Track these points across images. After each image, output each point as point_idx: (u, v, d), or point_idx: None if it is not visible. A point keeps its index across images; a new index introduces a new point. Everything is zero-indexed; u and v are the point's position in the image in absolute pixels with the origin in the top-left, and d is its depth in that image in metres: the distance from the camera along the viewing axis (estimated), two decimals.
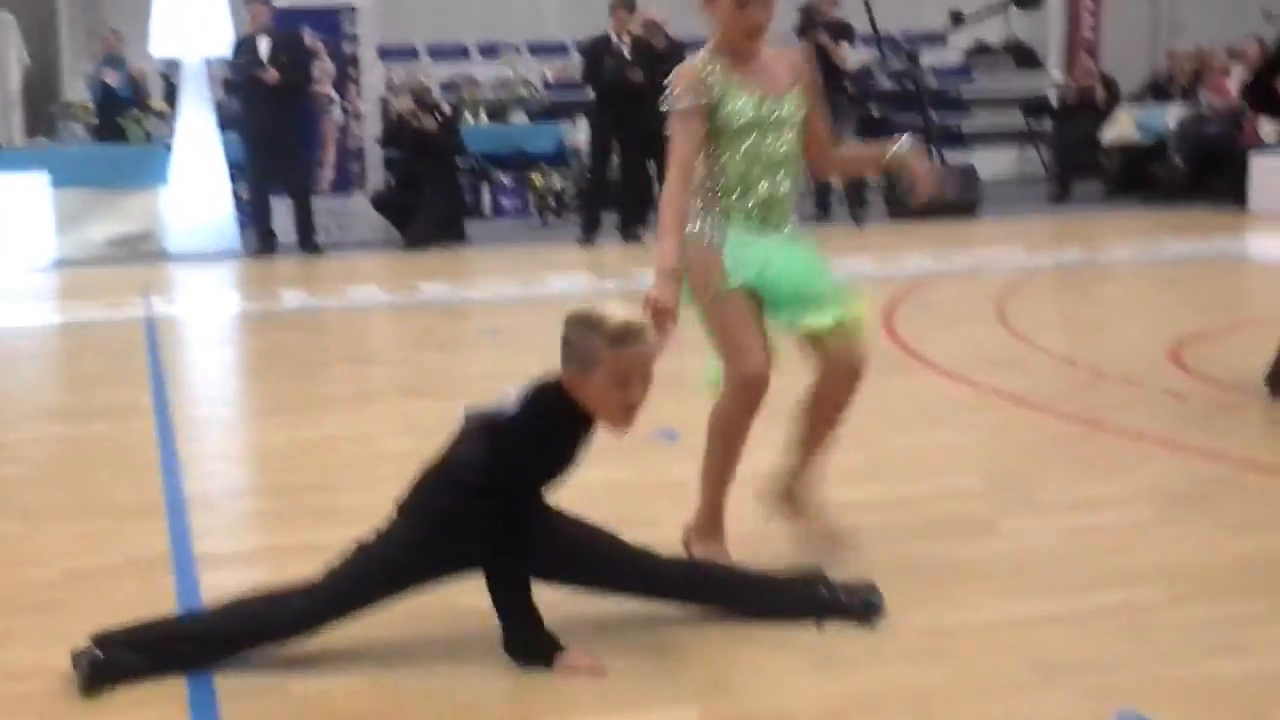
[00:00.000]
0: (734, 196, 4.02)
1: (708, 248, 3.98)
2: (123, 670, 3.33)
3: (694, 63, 4.01)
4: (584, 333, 3.42)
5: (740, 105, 3.97)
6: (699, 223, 4.01)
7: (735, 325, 4.00)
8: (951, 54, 19.27)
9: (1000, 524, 4.34)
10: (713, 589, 3.69)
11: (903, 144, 4.10)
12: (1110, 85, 16.23)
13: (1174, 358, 6.92)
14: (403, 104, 13.51)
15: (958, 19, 15.03)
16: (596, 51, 12.90)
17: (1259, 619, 3.58)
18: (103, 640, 3.37)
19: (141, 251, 12.81)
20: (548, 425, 3.49)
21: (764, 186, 4.00)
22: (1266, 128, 13.80)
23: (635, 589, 3.66)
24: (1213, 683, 3.21)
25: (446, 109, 14.11)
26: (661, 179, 14.25)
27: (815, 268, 4.06)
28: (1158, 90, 16.52)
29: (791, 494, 4.24)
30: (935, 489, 4.82)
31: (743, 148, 4.00)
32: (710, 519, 4.16)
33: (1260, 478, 4.90)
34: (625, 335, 3.40)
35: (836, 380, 4.04)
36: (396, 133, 13.46)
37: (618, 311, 3.45)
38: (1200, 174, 14.42)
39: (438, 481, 3.59)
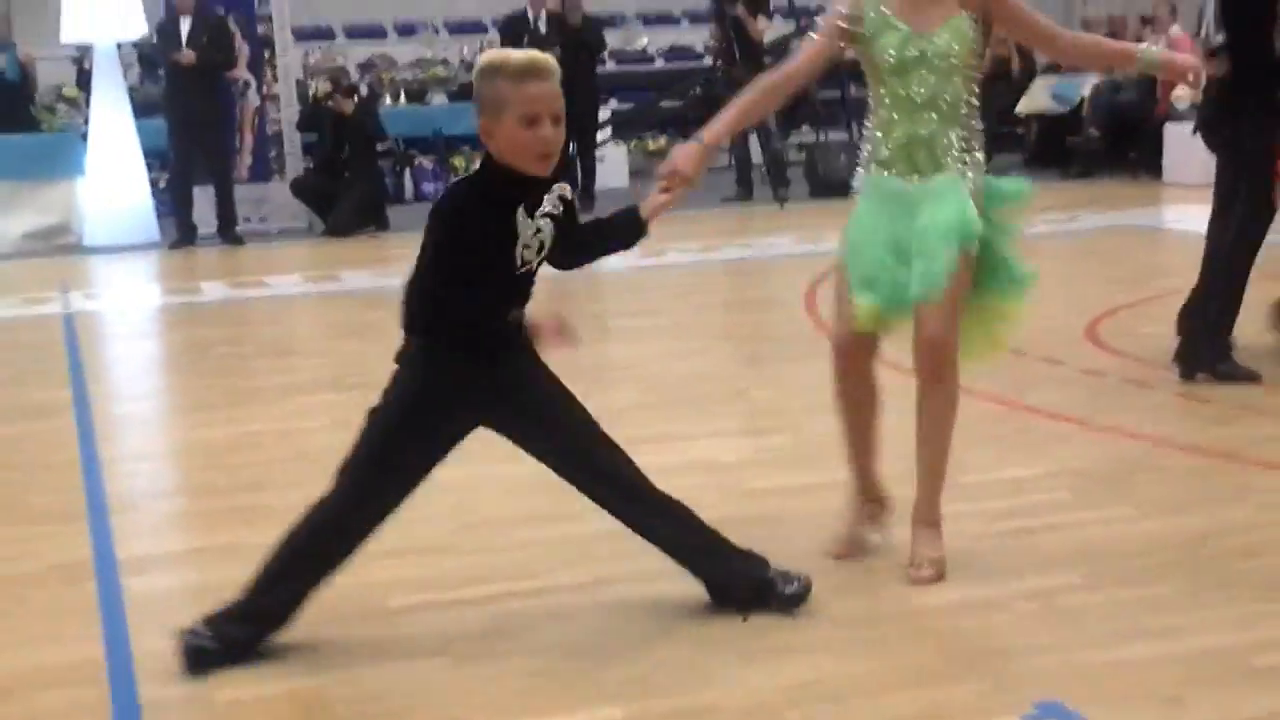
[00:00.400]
0: (875, 141, 3.92)
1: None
2: (230, 643, 3.45)
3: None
4: (488, 78, 3.41)
5: (886, 43, 3.85)
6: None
7: (837, 288, 4.04)
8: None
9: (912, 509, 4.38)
10: (665, 528, 3.69)
11: (1149, 46, 3.92)
12: (1026, 55, 16.36)
13: (1091, 334, 7.01)
14: (320, 87, 13.41)
15: None
16: (514, 30, 12.84)
17: (1177, 601, 3.66)
18: (201, 624, 3.46)
19: (58, 245, 12.65)
20: (468, 187, 3.53)
21: (901, 130, 3.86)
22: (1179, 92, 13.93)
23: (595, 483, 3.70)
24: (1131, 667, 3.27)
25: (364, 91, 14.02)
26: (582, 160, 14.09)
27: (903, 250, 3.86)
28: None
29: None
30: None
31: (884, 89, 3.89)
32: (853, 497, 4.16)
33: (1177, 457, 4.99)
34: (528, 70, 3.38)
35: (917, 373, 3.98)
36: (314, 116, 13.36)
37: (515, 51, 3.47)
38: (1116, 144, 14.58)
39: (413, 302, 3.57)
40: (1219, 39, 6.17)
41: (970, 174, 3.87)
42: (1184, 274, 6.72)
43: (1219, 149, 6.15)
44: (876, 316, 3.91)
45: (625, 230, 3.82)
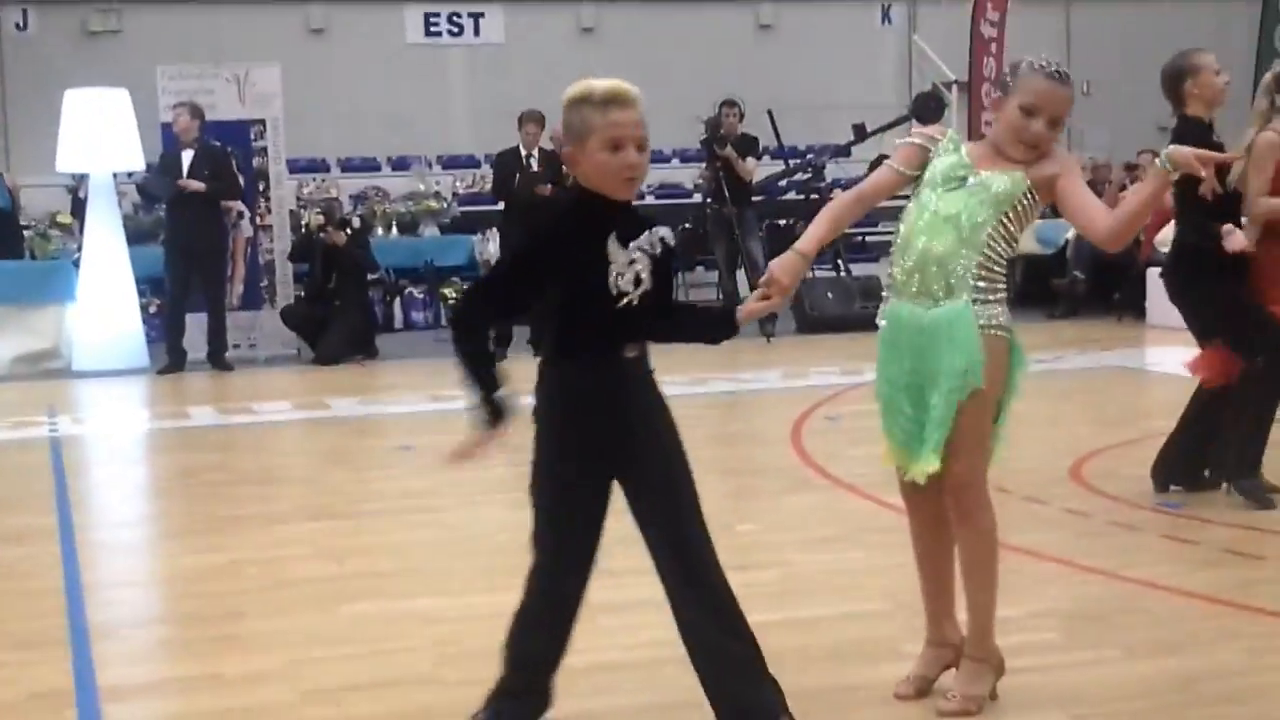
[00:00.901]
0: (894, 265, 4.00)
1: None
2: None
3: (948, 130, 4.10)
4: (575, 107, 3.51)
5: (941, 161, 3.99)
6: None
7: None
8: (855, 166, 19.59)
9: (905, 647, 4.36)
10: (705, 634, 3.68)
11: (1159, 159, 3.85)
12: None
13: (1076, 474, 7.03)
14: (313, 219, 13.52)
15: (860, 132, 15.30)
16: (507, 165, 13.00)
17: None
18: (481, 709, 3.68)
19: (48, 369, 12.67)
20: (552, 211, 3.67)
21: (920, 244, 3.92)
22: (1162, 236, 14.08)
23: (664, 545, 3.70)
24: None
25: (357, 223, 14.15)
26: None
27: (919, 394, 3.93)
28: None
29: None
30: (842, 610, 4.86)
31: (915, 203, 4.00)
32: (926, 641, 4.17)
33: (1163, 599, 4.99)
34: (612, 98, 3.48)
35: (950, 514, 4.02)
36: (307, 247, 13.45)
37: (605, 80, 3.54)
38: (1100, 286, 14.72)
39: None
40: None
41: (990, 310, 3.88)
42: (1168, 415, 6.77)
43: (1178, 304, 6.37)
44: (905, 463, 3.97)
45: (718, 323, 3.82)
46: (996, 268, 3.92)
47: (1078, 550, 5.63)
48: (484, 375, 3.70)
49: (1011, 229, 3.92)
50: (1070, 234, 14.98)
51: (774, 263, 3.83)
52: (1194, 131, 6.13)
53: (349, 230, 13.48)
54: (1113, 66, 20.17)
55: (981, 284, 3.88)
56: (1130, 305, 14.07)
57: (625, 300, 3.52)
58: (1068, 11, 20.39)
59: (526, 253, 3.59)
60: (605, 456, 3.62)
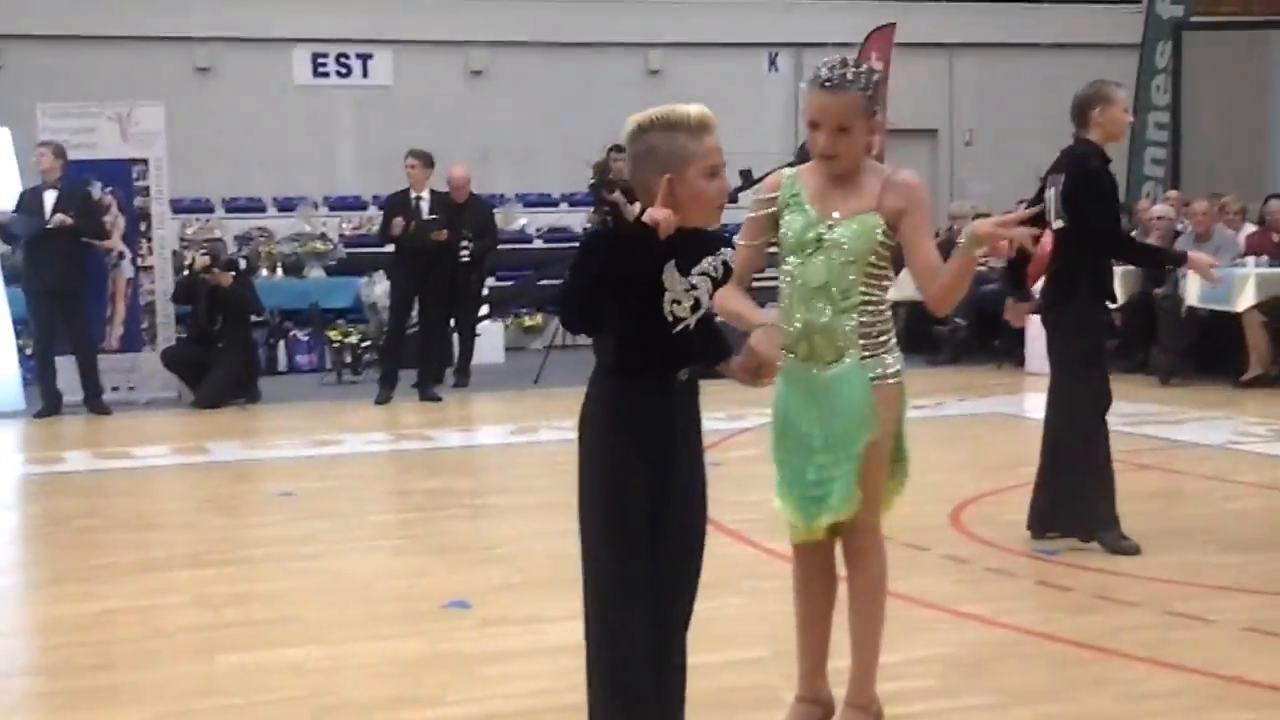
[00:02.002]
0: (782, 320, 3.97)
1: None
2: None
3: (785, 170, 4.08)
4: (665, 134, 3.43)
5: (790, 221, 3.97)
6: None
7: None
8: (742, 211, 19.74)
9: (785, 695, 4.37)
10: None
11: (965, 230, 3.88)
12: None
13: (956, 521, 7.11)
14: (198, 260, 13.34)
15: (747, 178, 15.42)
16: (395, 208, 12.92)
17: None
18: None
19: None
20: (617, 233, 3.55)
21: (799, 315, 3.95)
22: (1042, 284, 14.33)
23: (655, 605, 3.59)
24: None
25: (242, 264, 14.00)
26: (462, 336, 14.13)
27: (810, 452, 3.99)
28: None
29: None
30: (722, 658, 4.86)
31: (787, 271, 3.98)
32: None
33: (1038, 645, 5.05)
34: (705, 125, 3.44)
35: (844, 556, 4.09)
36: (191, 288, 13.27)
37: (688, 106, 3.48)
38: (981, 333, 14.93)
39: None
40: (1058, 224, 6.46)
41: (881, 361, 3.95)
42: None
43: (1051, 333, 6.52)
44: (805, 519, 4.01)
45: (717, 352, 3.71)
46: (878, 318, 3.97)
47: (956, 596, 5.68)
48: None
49: (880, 272, 3.97)
50: None
51: (756, 346, 3.66)
52: (1093, 153, 6.32)
53: (235, 271, 13.33)
54: (994, 116, 20.58)
55: (866, 340, 3.95)
56: (1009, 352, 14.27)
57: (681, 326, 3.51)
58: (950, 61, 20.73)
59: (586, 267, 3.46)
60: (651, 466, 3.56)
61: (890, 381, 3.97)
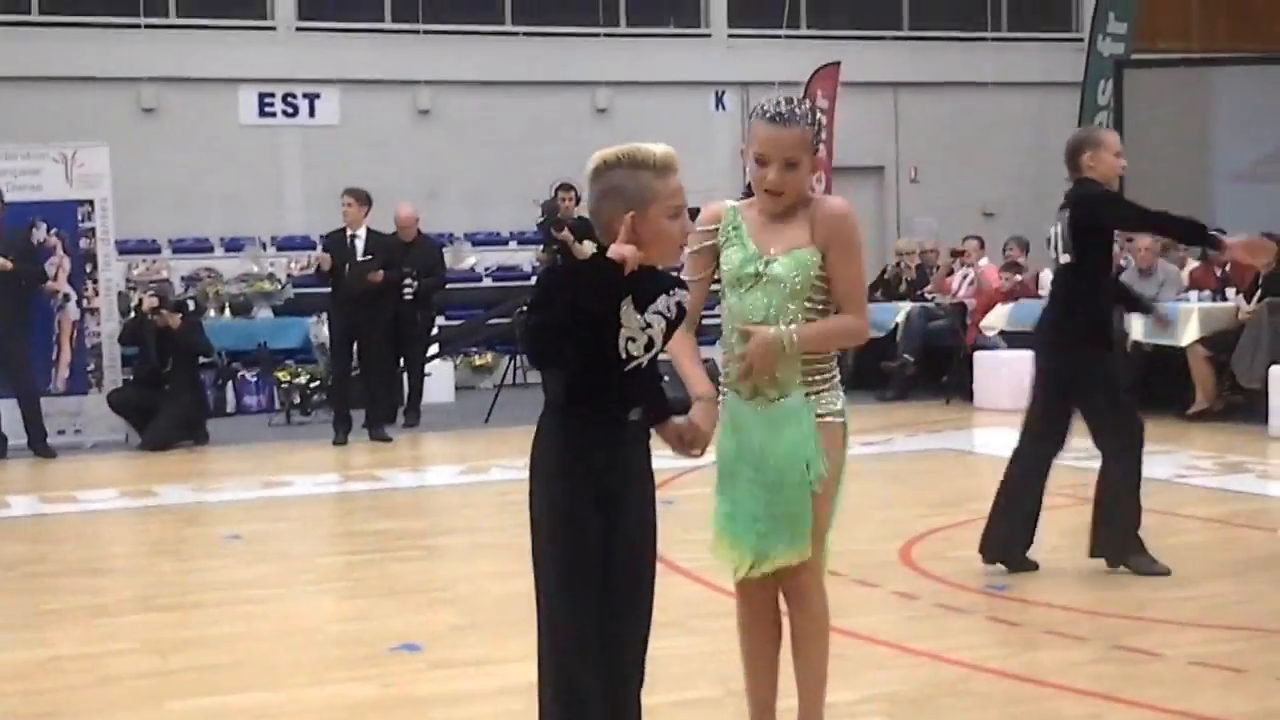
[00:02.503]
0: (729, 361, 4.00)
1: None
2: None
3: (725, 202, 4.08)
4: (631, 172, 3.42)
5: (729, 255, 3.98)
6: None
7: None
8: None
9: None
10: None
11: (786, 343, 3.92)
12: None
13: (906, 557, 7.14)
14: (146, 301, 13.26)
15: (694, 215, 15.48)
16: (330, 246, 12.82)
17: None
18: None
19: None
20: (579, 269, 3.54)
21: (742, 349, 3.93)
22: (991, 319, 14.45)
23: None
24: None
25: (190, 305, 13.92)
26: (411, 375, 13.98)
27: (756, 490, 3.97)
28: (887, 287, 17.20)
29: None
30: (673, 698, 4.86)
31: (728, 305, 4.00)
32: None
33: (988, 681, 5.07)
34: (670, 165, 3.44)
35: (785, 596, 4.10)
36: (138, 330, 13.19)
37: (653, 145, 3.47)
38: (929, 369, 15.02)
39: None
40: (1065, 258, 6.56)
41: (824, 399, 3.98)
42: (992, 497, 6.92)
43: (1040, 369, 6.60)
44: (751, 558, 4.00)
45: (655, 401, 3.69)
46: (821, 355, 3.99)
47: (906, 633, 5.70)
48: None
49: (822, 307, 3.98)
50: (900, 317, 15.27)
51: (693, 420, 3.74)
52: (1094, 187, 6.50)
53: (183, 313, 13.26)
54: (939, 153, 20.75)
55: (810, 376, 3.96)
56: (958, 388, 14.36)
57: (634, 364, 3.51)
58: (895, 99, 20.90)
59: (546, 303, 3.45)
60: (599, 504, 3.53)
61: (833, 420, 4.00)
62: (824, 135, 4.07)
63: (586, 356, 3.46)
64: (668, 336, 3.58)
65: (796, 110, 3.91)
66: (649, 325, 3.51)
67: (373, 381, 12.86)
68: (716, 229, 4.03)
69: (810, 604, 4.02)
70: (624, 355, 3.49)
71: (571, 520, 3.51)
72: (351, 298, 12.51)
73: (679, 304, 3.57)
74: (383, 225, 13.27)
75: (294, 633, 6.06)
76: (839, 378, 4.07)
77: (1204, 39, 21.36)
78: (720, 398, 4.02)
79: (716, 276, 4.10)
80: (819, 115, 4.01)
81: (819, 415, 3.96)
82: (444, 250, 15.68)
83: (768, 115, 3.90)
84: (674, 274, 3.65)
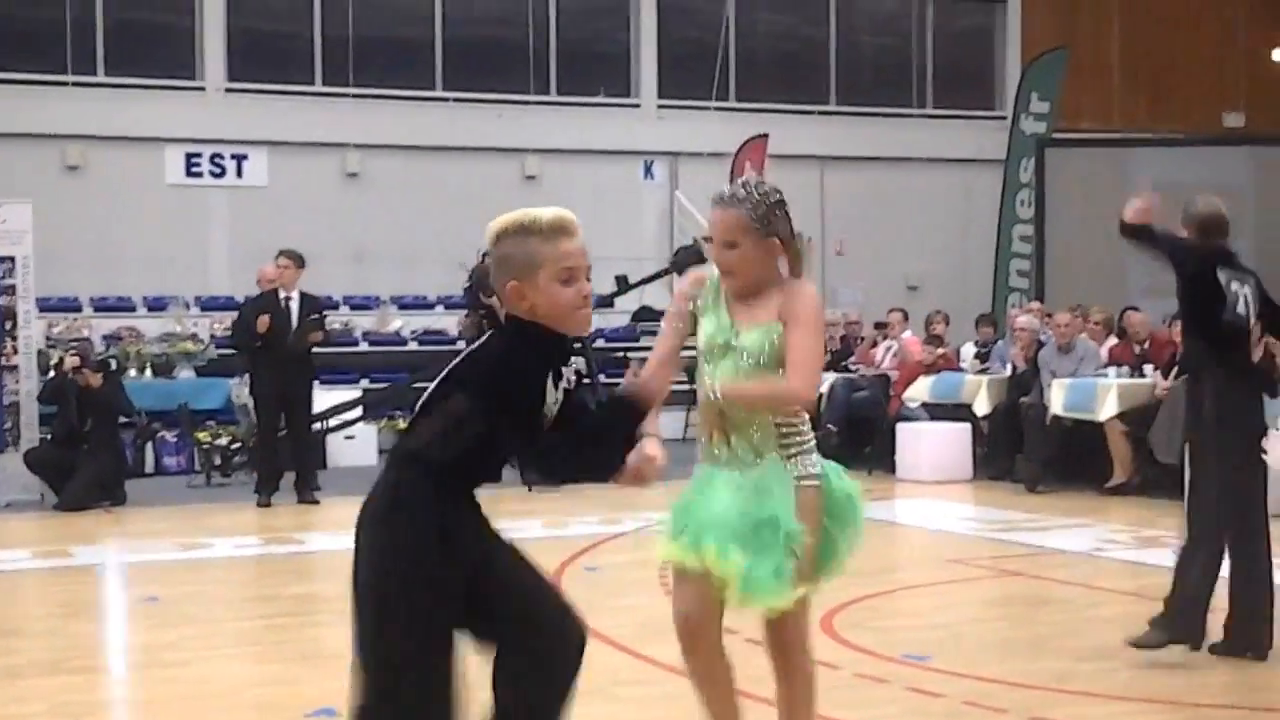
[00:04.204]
0: (700, 427, 4.11)
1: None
2: None
3: (703, 272, 4.16)
4: (518, 239, 3.35)
5: (705, 323, 4.09)
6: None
7: (674, 571, 4.13)
8: (618, 316, 19.88)
9: None
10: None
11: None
12: None
13: (826, 626, 7.15)
14: (67, 360, 13.10)
15: (622, 283, 15.53)
16: (261, 308, 12.72)
17: None
18: None
19: None
20: (522, 345, 3.38)
21: (716, 418, 4.04)
22: (914, 391, 14.55)
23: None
24: None
25: (112, 364, 13.76)
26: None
27: (734, 541, 3.97)
28: None
29: None
30: None
31: (705, 371, 4.08)
32: None
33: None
34: (560, 227, 3.35)
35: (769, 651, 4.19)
36: (59, 389, 13.03)
37: (544, 209, 3.40)
38: (852, 439, 15.09)
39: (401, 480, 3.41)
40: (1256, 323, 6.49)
41: (801, 462, 4.06)
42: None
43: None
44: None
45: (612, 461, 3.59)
46: (793, 419, 4.08)
47: (827, 702, 5.68)
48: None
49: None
50: (824, 387, 15.35)
51: (647, 450, 3.70)
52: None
53: (105, 372, 13.12)
54: (865, 225, 20.97)
55: (784, 441, 4.06)
56: (881, 459, 14.44)
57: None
58: (822, 171, 21.11)
59: (500, 397, 3.34)
60: (468, 564, 3.43)
61: (807, 485, 4.07)
62: (779, 218, 4.08)
63: (511, 432, 3.38)
64: (564, 409, 3.47)
65: (740, 193, 4.03)
66: (558, 400, 3.44)
67: (300, 442, 12.76)
68: (699, 293, 4.13)
69: (795, 657, 4.22)
70: (536, 429, 3.42)
71: (437, 589, 3.37)
72: (282, 358, 12.42)
73: (577, 371, 3.53)
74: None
75: (210, 696, 5.97)
76: (813, 441, 4.15)
77: (1125, 119, 21.79)
78: (696, 467, 4.15)
79: (692, 343, 4.19)
80: (772, 199, 4.05)
81: (797, 479, 4.05)
82: (370, 314, 15.58)
83: (713, 197, 4.06)
84: (577, 343, 3.60)
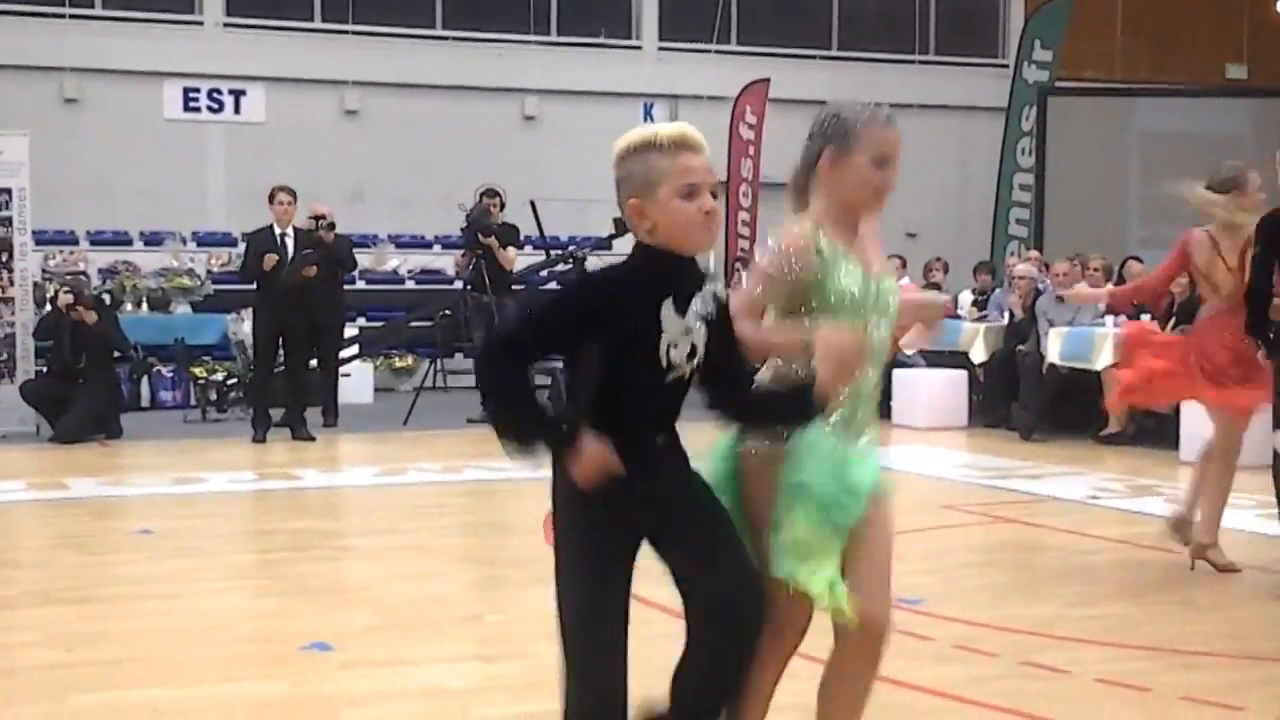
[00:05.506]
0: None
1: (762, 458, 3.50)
2: None
3: (799, 228, 3.55)
4: (638, 154, 3.22)
5: (847, 280, 3.52)
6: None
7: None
8: (616, 259, 19.78)
9: None
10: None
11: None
12: None
13: None
14: (61, 296, 13.06)
15: (620, 225, 15.47)
16: (260, 245, 12.74)
17: None
18: None
19: None
20: (615, 273, 3.28)
21: (866, 379, 3.56)
22: (907, 338, 14.54)
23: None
24: None
25: (106, 300, 13.73)
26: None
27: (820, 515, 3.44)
28: None
29: None
30: None
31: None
32: None
33: (900, 694, 5.08)
34: (681, 141, 3.22)
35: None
36: (54, 325, 13.02)
37: (666, 124, 3.28)
38: None
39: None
40: None
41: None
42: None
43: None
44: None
45: (797, 406, 3.38)
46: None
47: (816, 646, 5.70)
48: (530, 415, 3.21)
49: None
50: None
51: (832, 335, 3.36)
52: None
53: (99, 309, 13.10)
54: None
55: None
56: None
57: (675, 374, 3.26)
58: None
59: (567, 306, 3.27)
60: (633, 529, 3.32)
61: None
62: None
63: (617, 367, 3.21)
64: (711, 342, 3.28)
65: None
66: (690, 330, 3.25)
67: (298, 379, 12.79)
68: (811, 252, 3.52)
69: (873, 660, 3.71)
70: (664, 364, 3.23)
71: (595, 567, 3.30)
72: (284, 293, 12.43)
73: (715, 296, 3.32)
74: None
75: (203, 629, 5.99)
76: None
77: (1127, 69, 21.70)
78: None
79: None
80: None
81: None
82: (367, 252, 15.60)
83: (882, 119, 3.60)
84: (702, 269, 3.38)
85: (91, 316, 12.78)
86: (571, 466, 3.16)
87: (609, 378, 3.21)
